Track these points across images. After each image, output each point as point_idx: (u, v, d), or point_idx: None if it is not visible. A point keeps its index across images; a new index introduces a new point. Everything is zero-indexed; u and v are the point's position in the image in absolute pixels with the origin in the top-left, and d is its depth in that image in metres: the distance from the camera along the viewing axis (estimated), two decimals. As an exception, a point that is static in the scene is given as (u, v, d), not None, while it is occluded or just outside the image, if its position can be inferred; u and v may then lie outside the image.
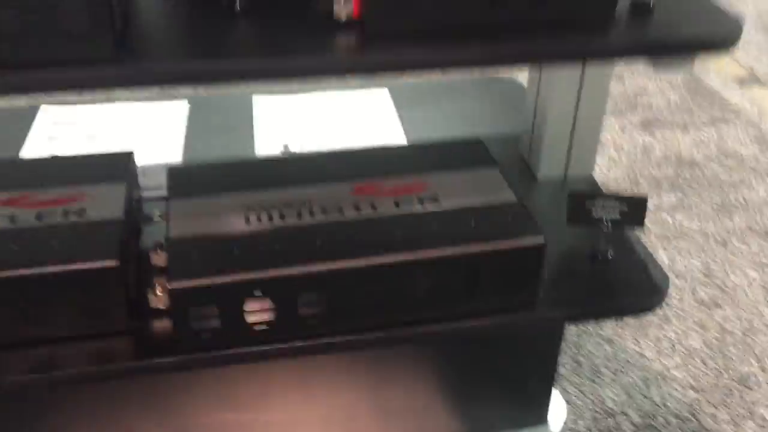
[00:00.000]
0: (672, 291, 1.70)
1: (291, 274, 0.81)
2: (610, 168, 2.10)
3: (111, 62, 0.65)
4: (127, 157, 0.98)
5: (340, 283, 0.83)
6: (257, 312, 0.82)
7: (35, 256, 0.82)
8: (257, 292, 0.81)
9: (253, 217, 0.88)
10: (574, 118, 1.08)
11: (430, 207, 0.91)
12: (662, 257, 1.78)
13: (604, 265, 0.98)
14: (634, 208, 0.97)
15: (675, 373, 1.51)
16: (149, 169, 1.14)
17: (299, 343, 0.85)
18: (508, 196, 0.93)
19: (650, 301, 0.94)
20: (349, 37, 0.71)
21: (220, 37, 0.71)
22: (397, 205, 0.91)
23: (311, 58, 0.69)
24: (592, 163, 1.14)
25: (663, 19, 0.77)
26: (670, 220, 1.91)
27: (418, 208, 0.90)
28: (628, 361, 1.54)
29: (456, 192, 0.93)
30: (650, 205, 1.94)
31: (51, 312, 0.83)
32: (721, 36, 0.73)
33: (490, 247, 0.86)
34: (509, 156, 1.18)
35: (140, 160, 1.02)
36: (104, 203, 0.90)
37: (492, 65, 0.73)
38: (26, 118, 1.29)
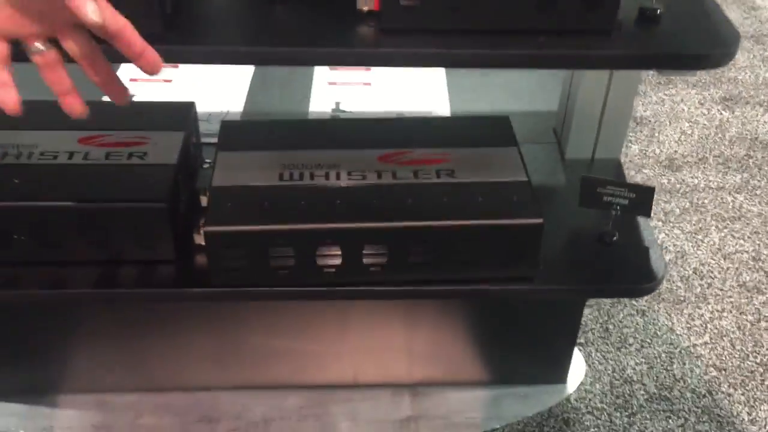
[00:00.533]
0: (716, 272, 1.73)
1: (309, 228, 0.93)
2: (681, 142, 2.10)
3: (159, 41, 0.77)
4: (188, 107, 1.12)
5: (352, 240, 0.94)
6: (279, 258, 0.95)
7: (101, 191, 0.97)
8: (279, 241, 0.93)
9: (286, 174, 1.00)
10: (604, 102, 1.14)
11: (445, 179, 1.00)
12: (714, 238, 1.80)
13: (607, 247, 1.05)
14: (642, 197, 1.03)
15: (701, 350, 1.57)
16: (214, 116, 1.28)
17: (317, 289, 0.98)
18: (519, 175, 1.01)
19: (641, 289, 1.01)
20: (368, 29, 0.81)
21: (255, 24, 0.82)
22: (415, 175, 1.00)
23: (331, 50, 0.79)
24: (620, 146, 1.20)
25: (667, 31, 0.82)
26: (730, 200, 1.91)
27: (434, 179, 1.00)
28: (656, 334, 1.60)
29: (472, 167, 1.01)
30: (713, 184, 1.95)
31: (112, 239, 0.98)
32: (715, 59, 0.78)
33: (491, 222, 0.95)
34: (543, 133, 1.25)
35: (209, 107, 1.15)
36: (163, 149, 1.03)
37: (496, 67, 0.80)
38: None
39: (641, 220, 1.10)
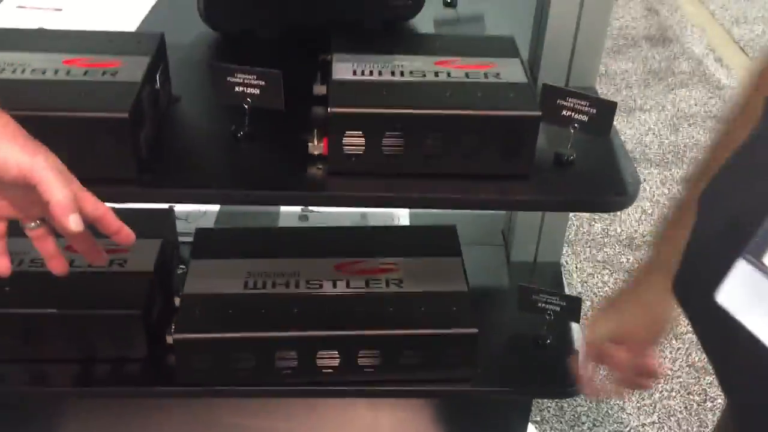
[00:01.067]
0: (667, 352, 1.83)
1: (268, 336, 1.05)
2: (641, 222, 2.22)
3: (134, 182, 0.90)
4: (166, 214, 1.23)
5: (306, 345, 1.06)
6: (241, 360, 1.06)
7: (83, 299, 1.08)
8: (241, 347, 1.05)
9: (251, 282, 1.11)
10: (542, 216, 1.26)
11: (393, 288, 1.12)
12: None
13: (541, 350, 1.16)
14: (572, 305, 1.14)
15: (649, 430, 1.67)
16: (192, 215, 1.39)
17: (276, 388, 1.09)
18: (460, 286, 1.13)
19: (567, 391, 1.12)
20: (317, 171, 0.93)
21: (221, 165, 0.94)
22: (366, 284, 1.12)
23: (284, 192, 0.91)
24: (560, 251, 1.31)
25: (579, 175, 0.94)
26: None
27: (383, 288, 1.11)
28: (608, 413, 1.70)
29: (418, 277, 1.13)
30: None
31: (90, 340, 1.09)
32: (616, 204, 0.91)
33: (430, 331, 1.06)
34: (492, 235, 1.36)
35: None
36: (142, 255, 1.15)
37: (425, 207, 0.93)
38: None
39: (575, 325, 1.21)
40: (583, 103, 0.93)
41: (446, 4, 1.33)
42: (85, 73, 0.93)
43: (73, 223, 0.71)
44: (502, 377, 1.13)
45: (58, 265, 0.78)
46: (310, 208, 1.43)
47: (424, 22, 1.25)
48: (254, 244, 1.20)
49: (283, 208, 1.43)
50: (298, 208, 1.43)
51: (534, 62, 1.09)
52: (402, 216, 1.43)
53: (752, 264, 0.51)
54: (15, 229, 0.78)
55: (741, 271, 0.52)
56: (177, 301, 1.13)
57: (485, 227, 1.38)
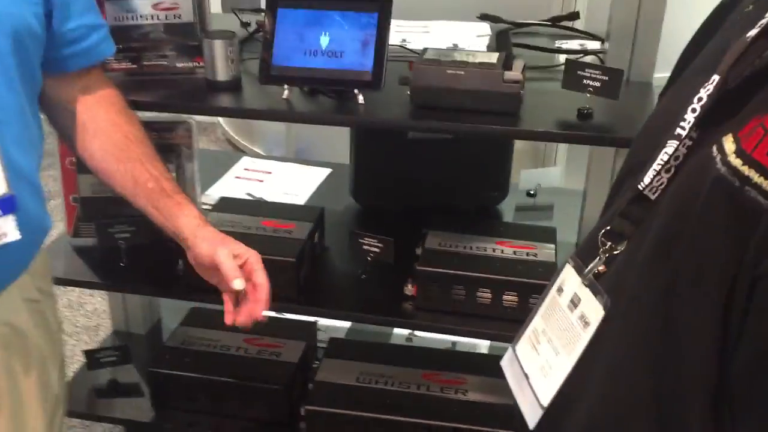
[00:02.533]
0: None
1: (370, 416, 1.52)
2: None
3: (294, 301, 1.43)
4: (311, 325, 1.76)
5: (395, 427, 1.52)
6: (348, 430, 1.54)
7: (245, 374, 1.61)
8: (357, 423, 1.53)
9: (362, 378, 1.60)
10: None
11: (459, 396, 1.56)
12: None
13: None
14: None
15: None
16: (330, 329, 1.92)
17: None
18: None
19: None
20: (408, 306, 1.42)
21: (349, 292, 1.46)
22: (441, 390, 1.58)
23: (383, 317, 1.41)
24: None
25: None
26: None
27: (452, 395, 1.56)
28: None
29: (480, 389, 1.57)
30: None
31: (247, 406, 1.61)
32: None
33: (484, 429, 1.49)
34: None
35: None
36: (291, 351, 1.67)
37: (474, 337, 1.39)
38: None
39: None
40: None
41: (528, 195, 1.82)
42: (275, 231, 1.49)
43: (237, 284, 1.14)
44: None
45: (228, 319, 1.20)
46: (415, 333, 1.92)
47: (508, 208, 1.74)
48: (369, 353, 1.69)
49: (395, 331, 1.92)
50: (406, 332, 1.92)
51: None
52: (484, 345, 1.88)
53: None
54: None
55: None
56: (311, 386, 1.64)
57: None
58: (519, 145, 1.89)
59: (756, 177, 0.56)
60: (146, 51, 1.40)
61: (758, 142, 0.57)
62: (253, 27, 1.62)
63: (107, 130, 1.20)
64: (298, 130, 3.02)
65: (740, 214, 0.57)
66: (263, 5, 1.39)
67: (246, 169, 1.92)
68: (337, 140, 1.88)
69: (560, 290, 0.79)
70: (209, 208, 1.60)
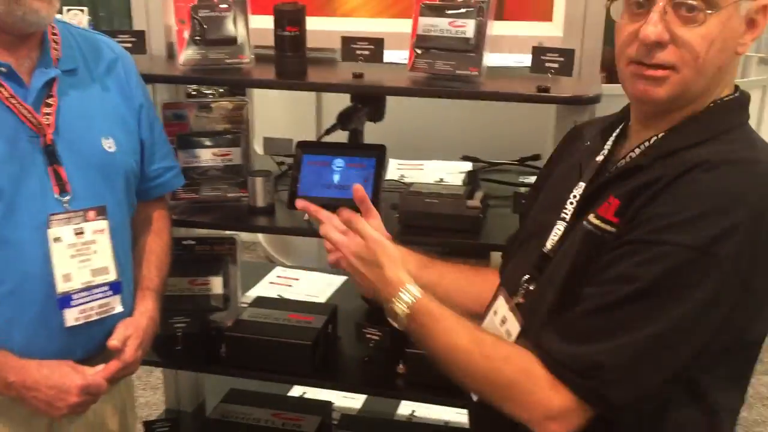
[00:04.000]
0: None
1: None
2: None
3: (309, 376, 1.83)
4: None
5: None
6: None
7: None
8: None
9: (365, 446, 1.98)
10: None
11: (445, 460, 1.92)
12: None
13: None
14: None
15: None
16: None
17: None
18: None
19: None
20: (400, 382, 1.81)
21: (356, 371, 1.85)
22: (430, 455, 1.94)
23: (380, 389, 1.80)
24: None
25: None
26: None
27: (439, 459, 1.92)
28: None
29: (461, 456, 1.93)
30: None
31: None
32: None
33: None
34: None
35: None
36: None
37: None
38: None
39: None
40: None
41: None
42: (297, 321, 1.91)
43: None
44: None
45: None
46: (415, 412, 2.28)
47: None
48: (374, 428, 2.06)
49: (399, 410, 2.29)
50: (408, 411, 2.28)
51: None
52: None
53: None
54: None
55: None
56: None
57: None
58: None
59: (603, 224, 1.08)
60: (205, 184, 1.88)
61: (606, 210, 1.08)
62: (284, 167, 2.10)
63: (145, 239, 1.59)
64: (320, 243, 3.48)
65: (597, 243, 1.08)
66: (293, 151, 1.87)
67: (278, 276, 2.37)
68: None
69: (495, 312, 1.27)
70: (246, 306, 2.03)
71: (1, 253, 1.30)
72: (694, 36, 1.03)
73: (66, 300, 1.33)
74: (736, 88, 1.13)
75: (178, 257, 1.92)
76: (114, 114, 1.47)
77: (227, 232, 2.02)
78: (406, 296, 1.18)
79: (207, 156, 1.85)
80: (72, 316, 1.34)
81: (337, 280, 2.33)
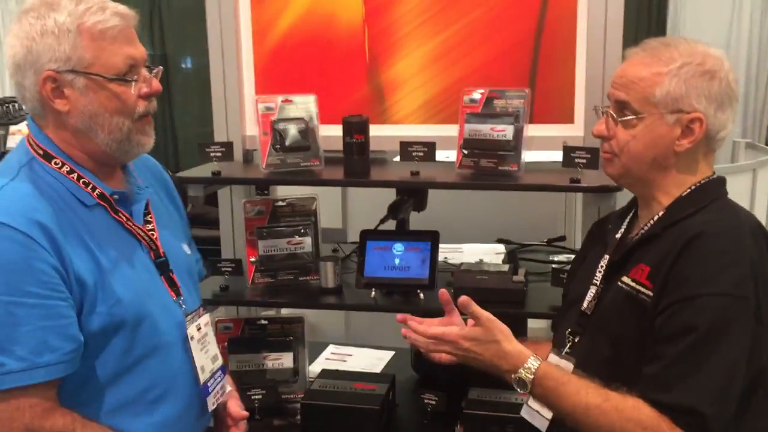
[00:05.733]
0: None
1: None
2: None
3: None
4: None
5: None
6: None
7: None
8: None
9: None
10: None
11: None
12: None
13: None
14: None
15: None
16: None
17: None
18: None
19: None
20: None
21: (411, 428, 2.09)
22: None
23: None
24: None
25: None
26: None
27: None
28: None
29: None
30: None
31: None
32: None
33: None
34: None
35: None
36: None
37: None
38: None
39: None
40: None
41: (541, 365, 2.46)
42: (362, 389, 2.15)
43: None
44: None
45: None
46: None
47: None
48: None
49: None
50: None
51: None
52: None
53: None
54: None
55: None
56: None
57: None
58: (531, 323, 2.57)
59: (638, 286, 1.39)
60: (281, 270, 2.16)
61: (639, 274, 1.40)
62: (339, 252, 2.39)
63: None
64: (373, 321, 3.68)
65: (637, 305, 1.38)
66: (349, 238, 2.17)
67: (332, 353, 2.62)
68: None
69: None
70: (313, 379, 2.27)
71: (153, 360, 1.48)
72: (623, 134, 1.45)
73: (206, 389, 1.58)
74: (714, 173, 1.48)
75: (252, 336, 2.19)
76: (177, 221, 1.72)
77: (297, 312, 2.29)
78: (531, 365, 1.41)
79: (283, 245, 2.13)
80: (211, 402, 1.59)
81: (387, 355, 2.58)
